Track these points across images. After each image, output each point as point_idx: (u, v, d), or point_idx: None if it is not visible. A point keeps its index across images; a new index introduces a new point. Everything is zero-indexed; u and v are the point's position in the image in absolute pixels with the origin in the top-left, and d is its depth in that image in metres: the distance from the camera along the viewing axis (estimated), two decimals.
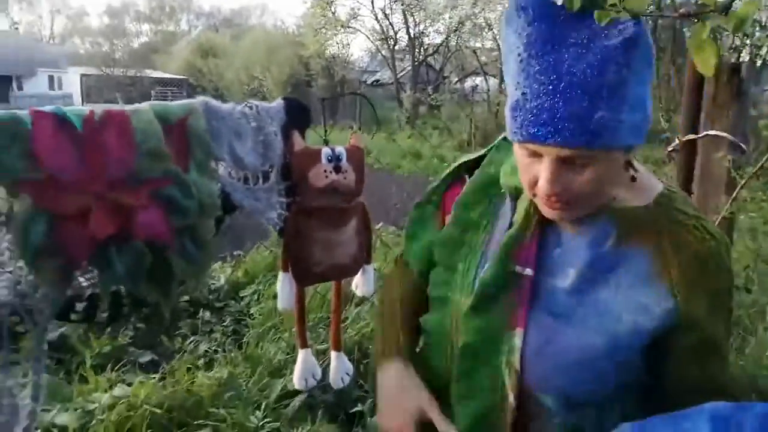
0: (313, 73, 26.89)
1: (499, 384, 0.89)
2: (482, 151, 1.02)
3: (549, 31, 0.73)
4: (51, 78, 38.51)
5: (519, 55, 0.76)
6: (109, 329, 3.52)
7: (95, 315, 1.22)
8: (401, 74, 25.66)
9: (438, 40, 24.92)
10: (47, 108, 1.02)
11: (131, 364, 3.12)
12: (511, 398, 0.88)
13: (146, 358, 3.30)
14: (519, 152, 0.83)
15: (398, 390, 0.98)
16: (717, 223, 1.99)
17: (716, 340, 0.85)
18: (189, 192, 1.10)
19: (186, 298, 4.10)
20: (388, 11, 24.50)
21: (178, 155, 1.10)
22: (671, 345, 0.83)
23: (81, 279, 1.16)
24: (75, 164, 1.01)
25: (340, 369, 1.44)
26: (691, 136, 2.09)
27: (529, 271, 0.87)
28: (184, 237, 1.12)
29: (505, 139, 0.98)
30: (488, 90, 19.44)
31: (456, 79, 24.24)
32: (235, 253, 4.88)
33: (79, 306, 1.20)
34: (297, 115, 1.25)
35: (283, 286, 1.32)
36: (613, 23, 0.70)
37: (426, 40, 25.19)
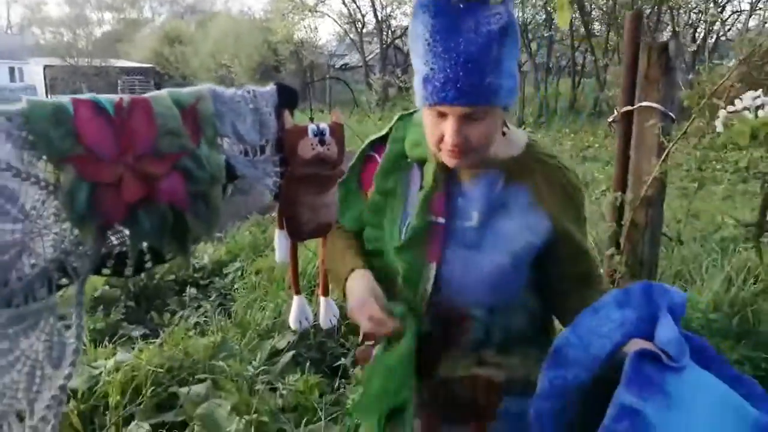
0: (282, 58, 26.81)
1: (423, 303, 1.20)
2: (384, 131, 1.29)
3: (448, 22, 0.99)
4: (11, 69, 37.51)
5: (426, 40, 1.01)
6: (102, 307, 3.71)
7: (123, 270, 1.45)
8: (370, 57, 25.76)
9: (405, 22, 25.03)
10: (85, 96, 1.24)
11: (125, 338, 3.33)
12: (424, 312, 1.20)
13: (139, 332, 3.51)
14: (427, 115, 1.08)
15: (365, 286, 1.22)
16: (649, 183, 2.29)
17: (583, 244, 1.19)
18: (201, 163, 1.34)
19: (172, 277, 4.31)
20: None
21: (191, 133, 1.34)
22: (553, 253, 1.14)
23: (112, 238, 1.39)
24: (109, 141, 1.24)
25: (328, 312, 1.70)
26: (627, 108, 2.38)
27: (441, 220, 1.17)
28: (198, 201, 1.36)
29: (401, 119, 1.27)
30: None
31: None
32: (216, 235, 5.08)
33: (109, 263, 1.44)
34: (287, 98, 1.49)
35: (280, 241, 1.57)
36: (491, 14, 0.99)
37: (393, 23, 25.34)
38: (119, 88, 27.95)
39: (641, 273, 2.45)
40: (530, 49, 17.79)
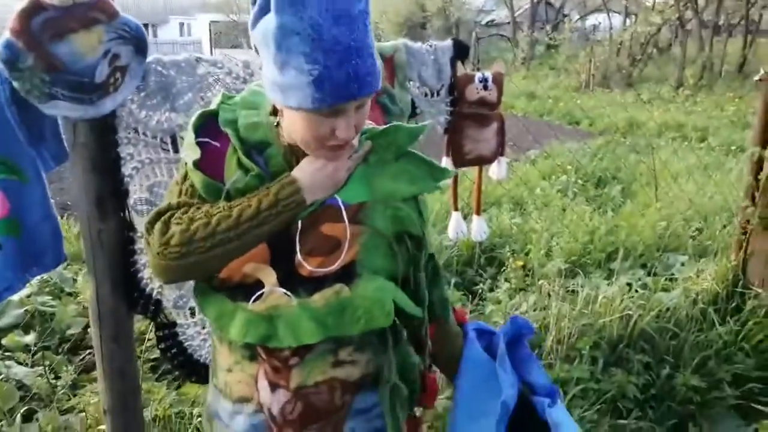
0: (429, 14, 26.94)
1: None
2: (213, 108, 1.06)
3: (324, 11, 0.85)
4: (181, 25, 40.79)
5: (309, 35, 0.85)
6: None
7: None
8: (519, 13, 25.12)
9: None
10: None
11: None
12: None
13: None
14: (309, 116, 0.91)
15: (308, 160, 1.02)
16: None
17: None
18: (394, 100, 1.78)
19: None
20: None
21: (389, 76, 1.77)
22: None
23: None
24: None
25: (479, 228, 2.10)
26: None
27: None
28: None
29: (223, 102, 1.06)
30: (611, 28, 18.67)
31: (577, 17, 23.36)
32: None
33: None
34: (460, 51, 1.88)
35: (445, 167, 1.99)
36: None
37: None
38: None
39: None
40: (696, 5, 16.43)
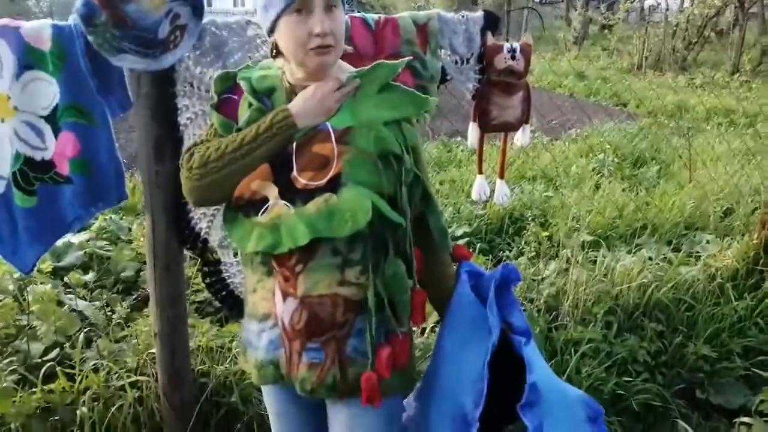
0: None
1: None
2: (236, 71, 1.33)
3: None
4: None
5: None
6: None
7: None
8: None
9: None
10: (357, 14, 1.85)
11: None
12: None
13: None
14: (291, 21, 1.15)
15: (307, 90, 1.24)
16: None
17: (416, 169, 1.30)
18: (425, 66, 1.91)
19: None
20: None
21: (421, 43, 1.90)
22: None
23: None
24: (370, 44, 1.85)
25: (501, 191, 2.23)
26: None
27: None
28: (420, 91, 1.93)
29: (246, 67, 1.33)
30: (667, 9, 18.03)
31: None
32: None
33: None
34: (490, 22, 1.99)
35: (472, 131, 2.12)
36: None
37: None
38: None
39: None
40: None
